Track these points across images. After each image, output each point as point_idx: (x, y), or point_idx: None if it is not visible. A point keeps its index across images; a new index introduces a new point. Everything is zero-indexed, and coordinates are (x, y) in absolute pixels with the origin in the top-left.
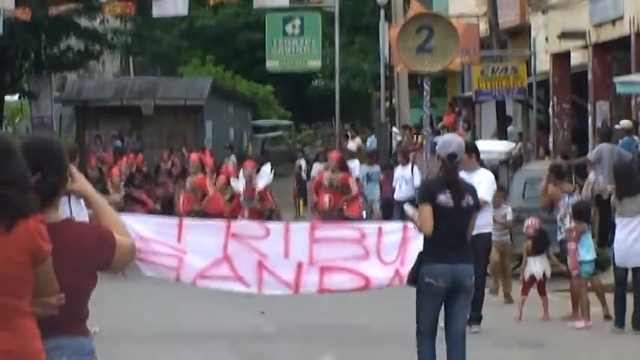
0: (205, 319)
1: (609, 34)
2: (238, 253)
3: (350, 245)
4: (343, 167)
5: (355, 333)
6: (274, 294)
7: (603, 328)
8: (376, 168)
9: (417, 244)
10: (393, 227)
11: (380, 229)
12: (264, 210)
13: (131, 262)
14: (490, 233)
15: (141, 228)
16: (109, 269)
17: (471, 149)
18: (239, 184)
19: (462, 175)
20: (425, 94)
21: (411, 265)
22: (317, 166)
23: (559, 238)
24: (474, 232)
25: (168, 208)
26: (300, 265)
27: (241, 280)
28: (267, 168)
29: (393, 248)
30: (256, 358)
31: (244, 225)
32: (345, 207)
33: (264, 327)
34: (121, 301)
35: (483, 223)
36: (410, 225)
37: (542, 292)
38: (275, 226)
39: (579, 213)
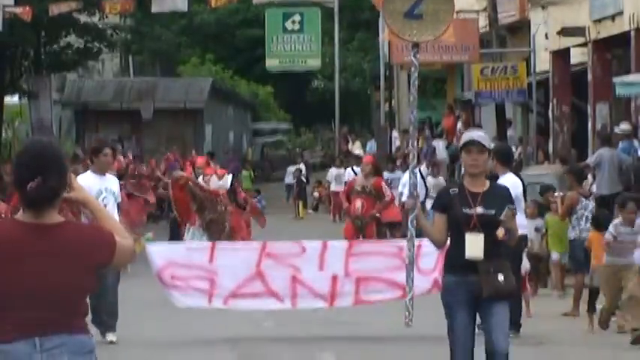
0: (205, 317)
1: (609, 30)
2: (272, 268)
3: (387, 258)
4: (377, 171)
5: (355, 331)
6: (308, 307)
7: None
8: (397, 174)
9: None
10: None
11: (419, 244)
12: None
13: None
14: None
15: (173, 254)
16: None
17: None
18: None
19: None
20: (413, 69)
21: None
22: (334, 171)
23: (571, 237)
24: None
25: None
26: (335, 278)
27: (275, 295)
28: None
29: (431, 257)
30: (256, 356)
31: (280, 245)
32: (377, 214)
33: (264, 324)
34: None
35: None
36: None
37: (524, 288)
38: (312, 244)
39: (598, 222)
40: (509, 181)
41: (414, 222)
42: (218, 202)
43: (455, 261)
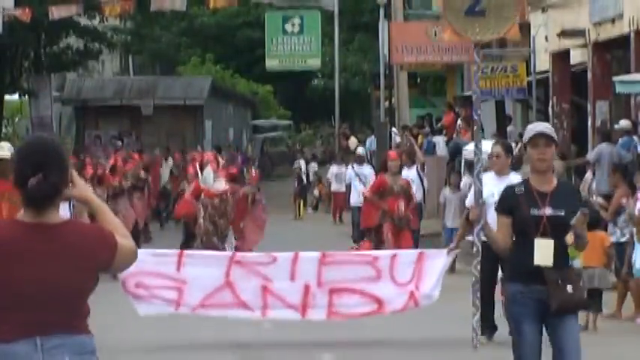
0: (204, 320)
1: (609, 32)
2: (241, 278)
3: (361, 266)
4: (401, 169)
5: (355, 333)
6: (279, 318)
7: (603, 327)
8: (412, 172)
9: (432, 265)
10: (408, 252)
11: (395, 254)
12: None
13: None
14: None
15: (140, 261)
16: (110, 270)
17: (508, 149)
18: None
19: (494, 177)
20: (476, 69)
21: (427, 286)
22: (334, 170)
23: (622, 239)
24: None
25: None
26: (307, 287)
27: (244, 305)
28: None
29: (407, 268)
30: (256, 357)
31: (250, 255)
32: (410, 217)
33: (264, 326)
34: (118, 308)
35: None
36: (427, 252)
37: None
38: (283, 254)
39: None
40: (515, 179)
41: (480, 234)
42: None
43: (520, 268)
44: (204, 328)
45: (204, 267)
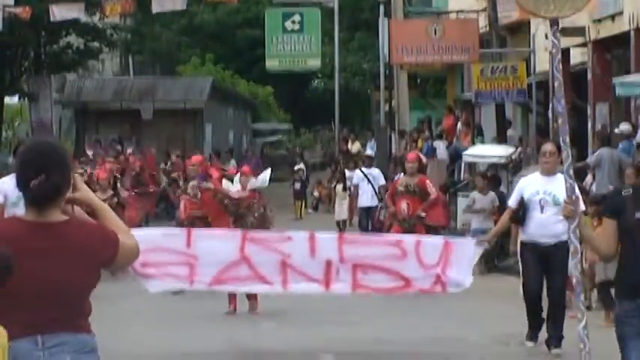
0: (204, 317)
1: (609, 30)
2: (257, 253)
3: (385, 246)
4: (421, 169)
5: (357, 332)
6: (302, 292)
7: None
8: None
9: (459, 252)
10: (433, 238)
11: (419, 239)
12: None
13: (134, 261)
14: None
15: (147, 240)
16: (112, 268)
17: (559, 148)
18: (231, 187)
19: (540, 177)
20: (554, 51)
21: (455, 272)
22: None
23: None
24: (554, 241)
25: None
26: (329, 263)
27: (263, 279)
28: (266, 173)
29: (433, 251)
30: (256, 357)
31: (263, 233)
32: (423, 214)
33: (264, 326)
34: (117, 313)
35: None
36: (452, 240)
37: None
38: (298, 234)
39: None
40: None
41: (576, 232)
42: (252, 205)
43: (628, 281)
44: (205, 326)
45: (215, 242)
